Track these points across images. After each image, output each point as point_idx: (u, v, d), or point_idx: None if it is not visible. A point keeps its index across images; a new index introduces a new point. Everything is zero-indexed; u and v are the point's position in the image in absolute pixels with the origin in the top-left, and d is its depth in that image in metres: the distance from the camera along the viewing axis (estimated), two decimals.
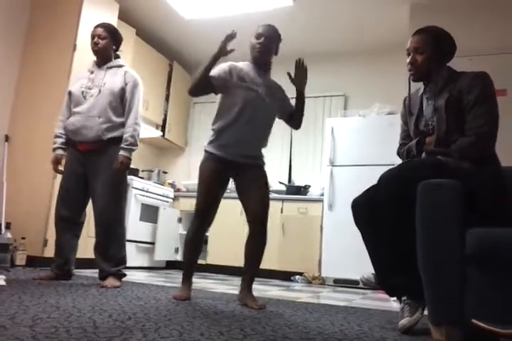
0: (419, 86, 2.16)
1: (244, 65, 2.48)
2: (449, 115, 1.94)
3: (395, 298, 2.03)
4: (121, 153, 2.77)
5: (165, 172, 5.91)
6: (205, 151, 2.46)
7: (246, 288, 2.41)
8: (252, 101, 2.39)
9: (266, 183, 2.47)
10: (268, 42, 2.43)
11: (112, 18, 4.45)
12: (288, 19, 4.98)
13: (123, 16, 4.80)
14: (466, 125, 1.91)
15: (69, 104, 2.95)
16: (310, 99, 5.83)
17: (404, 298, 1.88)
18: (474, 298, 1.63)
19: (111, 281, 2.69)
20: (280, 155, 5.80)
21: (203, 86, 2.37)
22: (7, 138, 4.08)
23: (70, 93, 2.94)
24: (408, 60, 2.06)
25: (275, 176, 5.70)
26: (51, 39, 4.18)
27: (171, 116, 5.84)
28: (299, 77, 2.52)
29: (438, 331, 1.66)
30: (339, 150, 4.82)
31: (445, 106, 1.94)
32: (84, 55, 4.01)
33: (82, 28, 4.11)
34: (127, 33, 4.68)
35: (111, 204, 2.77)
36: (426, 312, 1.76)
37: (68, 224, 2.85)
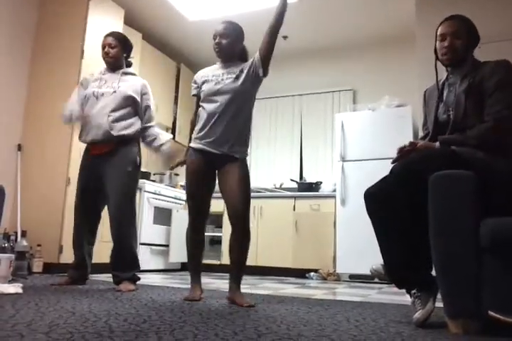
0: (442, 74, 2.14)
1: (211, 67, 2.58)
2: (469, 101, 1.93)
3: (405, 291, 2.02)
4: (163, 148, 2.91)
5: (176, 175, 5.92)
6: (189, 147, 2.53)
7: (233, 286, 2.37)
8: (212, 92, 2.43)
9: (243, 176, 2.38)
10: (222, 40, 2.46)
11: (118, 24, 4.48)
12: (293, 15, 4.95)
13: (128, 21, 4.83)
14: (485, 111, 1.90)
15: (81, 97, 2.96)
16: (318, 95, 5.83)
17: (413, 291, 1.86)
18: (490, 290, 1.61)
19: (126, 285, 2.71)
20: (290, 152, 5.79)
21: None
22: (20, 148, 4.13)
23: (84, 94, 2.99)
24: (446, 44, 2.03)
25: (286, 174, 5.70)
26: (58, 46, 4.21)
27: (181, 118, 5.86)
28: None
29: (454, 324, 1.65)
30: (350, 145, 4.80)
31: (466, 91, 1.94)
32: (92, 61, 4.05)
33: (89, 34, 4.15)
34: (133, 37, 4.68)
35: (123, 206, 2.81)
36: (440, 304, 1.74)
37: (85, 216, 2.92)
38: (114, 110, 2.84)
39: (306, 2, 4.71)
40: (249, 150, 2.53)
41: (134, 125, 2.90)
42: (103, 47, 2.96)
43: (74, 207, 2.95)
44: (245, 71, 2.44)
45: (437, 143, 1.97)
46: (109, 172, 2.82)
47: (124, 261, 2.80)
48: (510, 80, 1.90)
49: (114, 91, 2.88)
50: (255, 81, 2.47)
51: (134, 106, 2.92)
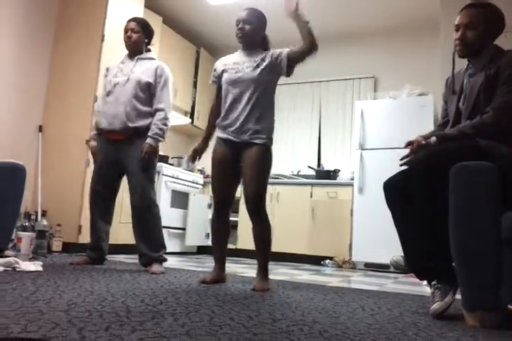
0: (464, 64, 2.08)
1: (233, 55, 2.57)
2: (484, 93, 1.88)
3: (426, 282, 2.00)
4: (147, 141, 2.82)
5: None
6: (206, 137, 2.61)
7: (258, 273, 2.41)
8: (232, 80, 2.44)
9: (258, 161, 2.37)
10: (245, 26, 2.44)
11: (139, 7, 4.47)
12: (313, 0, 4.89)
13: (149, 5, 4.80)
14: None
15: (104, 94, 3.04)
16: (339, 82, 5.75)
17: (434, 282, 1.84)
18: (509, 283, 1.59)
19: (158, 267, 2.76)
20: (309, 139, 5.75)
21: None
22: (41, 129, 4.17)
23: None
24: (457, 36, 1.97)
25: (304, 161, 5.67)
26: (80, 30, 4.22)
27: (199, 102, 5.86)
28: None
29: (472, 317, 1.64)
30: (369, 133, 4.74)
31: (480, 83, 1.89)
32: (113, 44, 4.06)
33: (110, 18, 4.14)
34: (154, 21, 4.67)
35: (145, 191, 2.83)
36: (458, 296, 1.73)
37: (101, 198, 2.95)
38: (129, 99, 2.86)
39: None
40: (272, 136, 2.50)
41: (150, 114, 2.91)
42: (125, 32, 2.98)
43: (90, 189, 2.98)
44: (267, 61, 2.43)
45: (433, 138, 1.94)
46: (128, 159, 2.85)
47: (150, 243, 2.84)
48: None
49: (128, 79, 2.90)
50: (275, 74, 2.46)
51: (149, 91, 2.92)
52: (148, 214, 2.85)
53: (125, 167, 2.89)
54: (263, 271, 2.40)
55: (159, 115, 2.87)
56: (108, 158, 2.93)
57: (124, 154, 2.88)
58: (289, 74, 2.44)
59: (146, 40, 3.04)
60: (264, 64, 2.42)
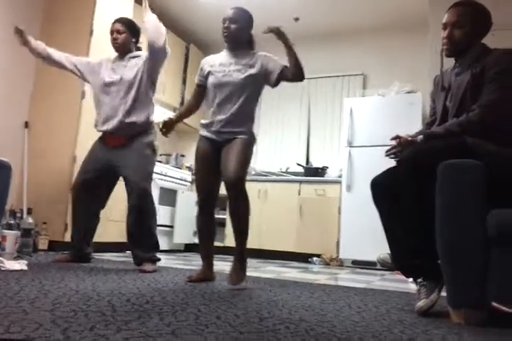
0: (452, 62, 2.09)
1: (219, 54, 2.58)
2: (468, 91, 1.89)
3: (412, 280, 2.02)
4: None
5: (182, 156, 5.92)
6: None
7: (235, 260, 2.35)
8: (219, 84, 2.45)
9: (239, 148, 2.34)
10: (231, 25, 2.44)
11: (128, 3, 4.42)
12: None
13: (139, 0, 4.74)
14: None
15: (81, 63, 3.08)
16: (328, 79, 5.75)
17: (419, 279, 1.86)
18: (495, 281, 1.60)
19: (148, 266, 2.74)
20: (298, 136, 5.75)
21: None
22: (27, 125, 4.12)
23: (89, 63, 3.08)
24: (445, 35, 1.98)
25: (293, 158, 5.67)
26: (67, 25, 4.16)
27: (188, 99, 5.82)
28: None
29: (457, 314, 1.65)
30: (358, 130, 4.75)
31: (467, 82, 1.90)
32: (101, 40, 4.01)
33: (99, 13, 4.08)
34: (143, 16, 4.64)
35: (141, 189, 2.82)
36: (443, 294, 1.74)
37: (86, 194, 2.89)
38: (123, 99, 2.86)
39: None
40: (255, 135, 2.50)
41: (147, 111, 2.91)
42: (111, 33, 2.97)
43: (73, 191, 2.95)
44: (256, 67, 2.44)
45: (420, 137, 1.96)
46: (125, 157, 2.83)
47: (144, 243, 2.83)
48: (511, 72, 1.83)
49: (121, 78, 2.89)
50: (262, 82, 2.49)
51: (143, 86, 2.90)
52: (144, 215, 2.82)
53: (119, 168, 2.85)
54: (240, 260, 2.33)
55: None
56: (104, 156, 2.90)
57: (120, 154, 2.85)
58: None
59: (133, 40, 3.01)
60: (253, 70, 2.43)
